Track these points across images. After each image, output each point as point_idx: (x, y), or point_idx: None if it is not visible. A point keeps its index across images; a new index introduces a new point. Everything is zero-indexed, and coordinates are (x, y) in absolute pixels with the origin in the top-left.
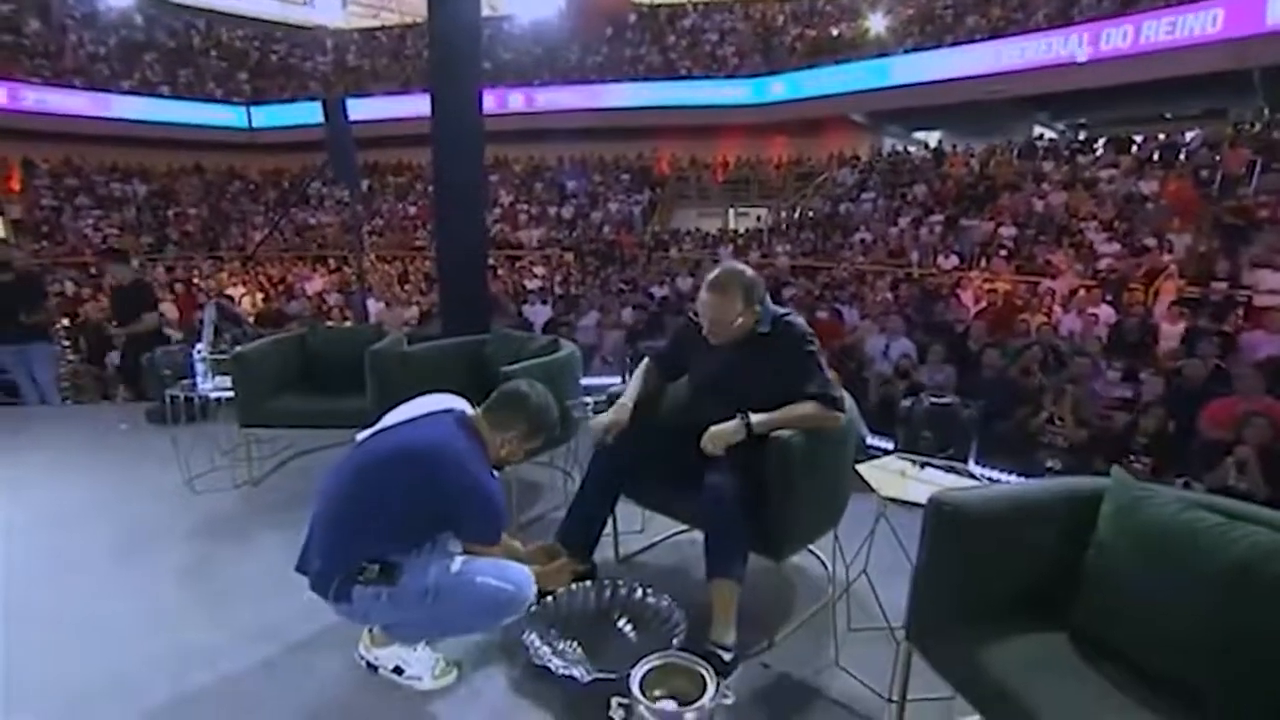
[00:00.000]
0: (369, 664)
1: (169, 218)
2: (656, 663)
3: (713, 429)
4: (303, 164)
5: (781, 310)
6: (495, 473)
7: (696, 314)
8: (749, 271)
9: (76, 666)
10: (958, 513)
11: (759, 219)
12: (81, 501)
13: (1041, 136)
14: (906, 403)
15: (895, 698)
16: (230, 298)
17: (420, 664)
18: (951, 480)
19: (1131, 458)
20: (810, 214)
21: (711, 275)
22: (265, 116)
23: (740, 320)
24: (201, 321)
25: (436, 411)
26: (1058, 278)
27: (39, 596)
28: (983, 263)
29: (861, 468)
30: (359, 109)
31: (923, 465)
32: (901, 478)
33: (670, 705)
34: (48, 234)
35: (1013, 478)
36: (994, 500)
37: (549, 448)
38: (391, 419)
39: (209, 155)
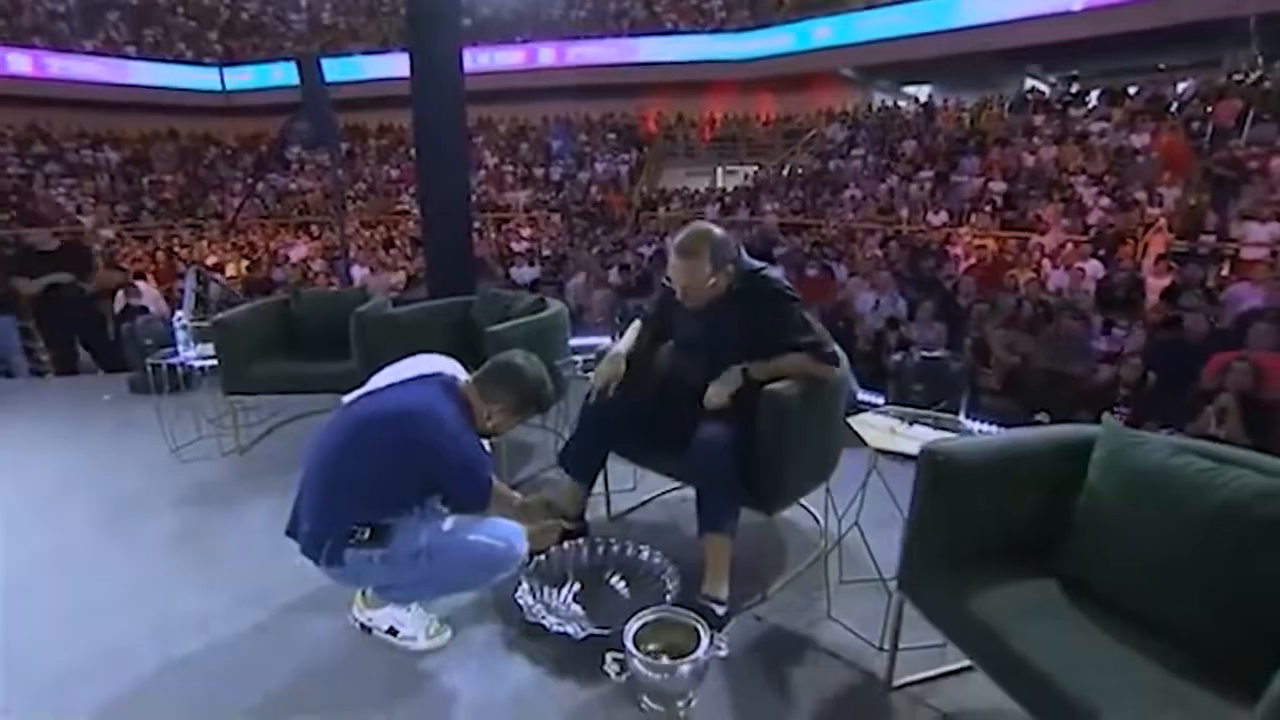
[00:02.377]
0: (363, 626)
1: (144, 186)
2: (650, 617)
3: (712, 385)
4: (282, 128)
5: (756, 264)
6: (483, 441)
7: (669, 278)
8: (716, 230)
9: (66, 638)
10: (949, 462)
11: (747, 177)
12: (66, 474)
13: (1033, 89)
14: (897, 357)
15: (887, 647)
16: (213, 266)
17: (414, 624)
18: (942, 433)
19: (1115, 409)
20: (799, 171)
21: (678, 238)
22: (240, 78)
23: (713, 282)
24: (182, 290)
25: (425, 375)
26: (1046, 233)
27: (25, 569)
28: (972, 219)
29: (853, 420)
30: (337, 70)
31: (912, 421)
32: (892, 432)
33: (664, 659)
34: (18, 204)
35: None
36: (984, 450)
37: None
38: (379, 380)
39: (183, 120)
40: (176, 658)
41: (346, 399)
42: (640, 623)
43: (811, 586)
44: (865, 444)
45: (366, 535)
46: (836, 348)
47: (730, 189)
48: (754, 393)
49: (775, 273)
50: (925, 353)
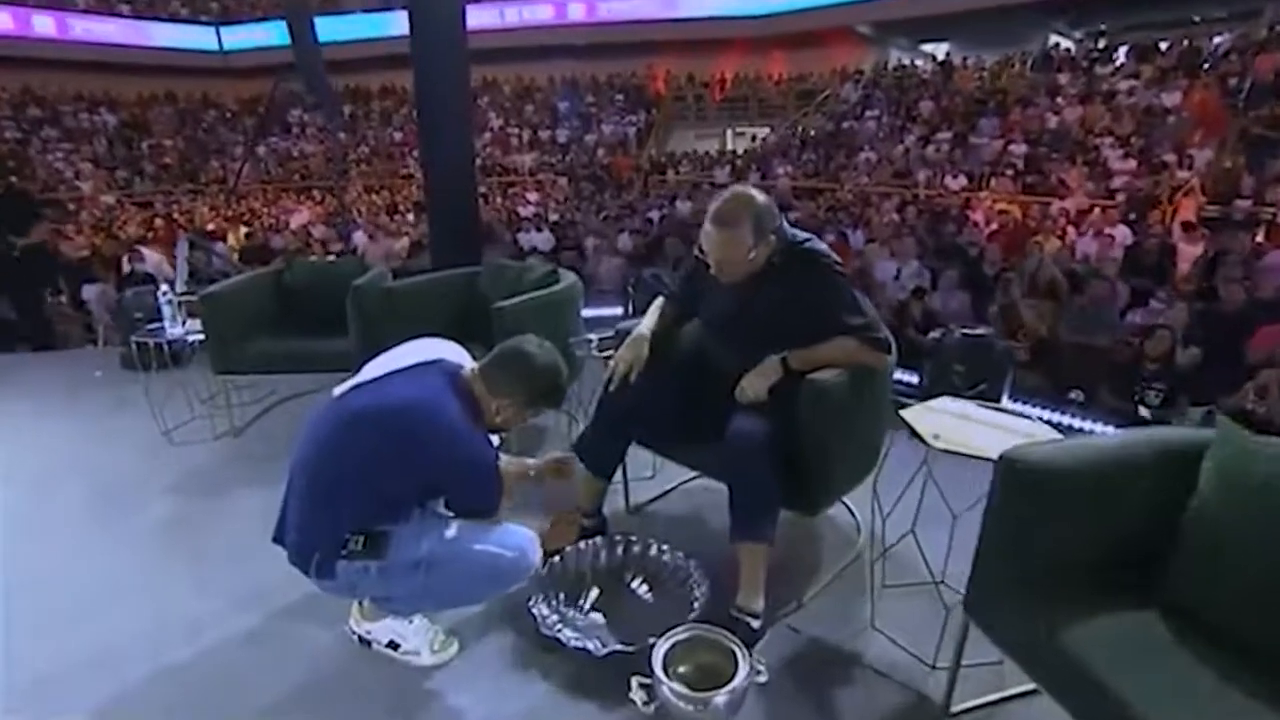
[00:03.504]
0: (361, 639)
1: (144, 150)
2: (681, 637)
3: (748, 376)
4: (271, 89)
5: (801, 235)
6: (492, 437)
7: (702, 250)
8: (759, 196)
9: (50, 638)
10: (1035, 473)
11: (755, 139)
12: (52, 457)
13: (1058, 46)
14: (935, 334)
15: (942, 665)
16: (210, 233)
17: (417, 637)
18: (1010, 425)
19: (1144, 384)
20: (812, 133)
21: (715, 205)
22: (238, 37)
23: (753, 255)
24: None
25: (424, 363)
26: (1068, 197)
27: (8, 560)
28: (992, 183)
29: (908, 414)
30: (337, 28)
31: (968, 397)
32: (955, 423)
33: (696, 686)
34: (15, 169)
35: (1056, 415)
36: (1076, 456)
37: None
38: (373, 370)
39: (181, 82)
40: (165, 666)
41: (337, 390)
42: (670, 643)
43: (852, 592)
44: (927, 444)
45: (360, 545)
46: (888, 332)
47: (740, 151)
48: (794, 381)
49: (821, 245)
50: (966, 330)
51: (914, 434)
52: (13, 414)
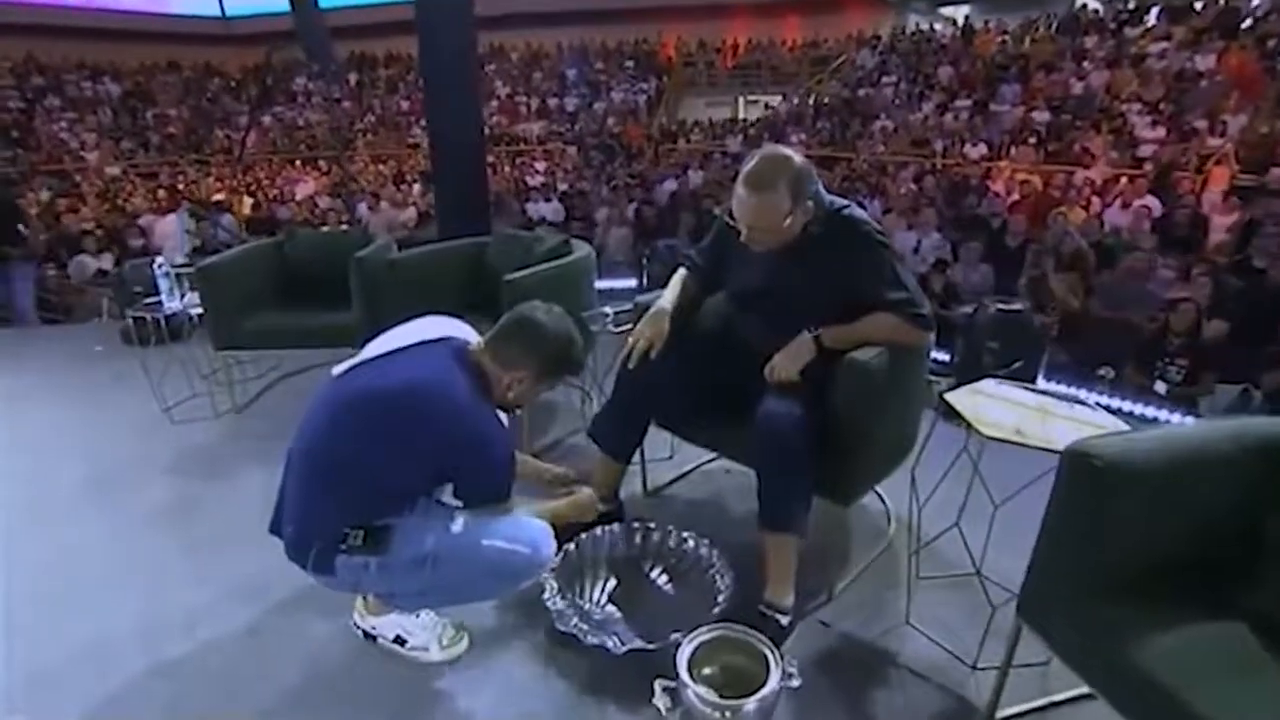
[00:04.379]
0: (365, 634)
1: (148, 120)
2: (707, 637)
3: (778, 355)
4: (287, 57)
5: (839, 201)
6: (503, 416)
7: (732, 215)
8: (796, 157)
9: (44, 630)
10: (1107, 468)
11: (769, 107)
12: (48, 435)
13: (1085, 7)
14: (967, 310)
15: (984, 665)
16: (218, 204)
17: (425, 632)
18: (1065, 412)
19: (1166, 360)
20: (826, 101)
21: (748, 166)
22: (240, 3)
23: (789, 222)
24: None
25: (429, 341)
26: (1092, 166)
27: (3, 544)
28: (1013, 151)
29: (953, 399)
30: None
31: (994, 375)
32: (1005, 408)
33: (714, 696)
34: (19, 139)
35: (1083, 393)
36: (1150, 451)
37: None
38: (374, 349)
39: (184, 49)
40: (162, 661)
41: (336, 370)
42: (695, 643)
43: (884, 583)
44: (977, 432)
45: (360, 540)
46: (929, 307)
47: (753, 119)
48: (828, 360)
49: (861, 212)
50: (1000, 305)
51: (956, 417)
52: (9, 389)
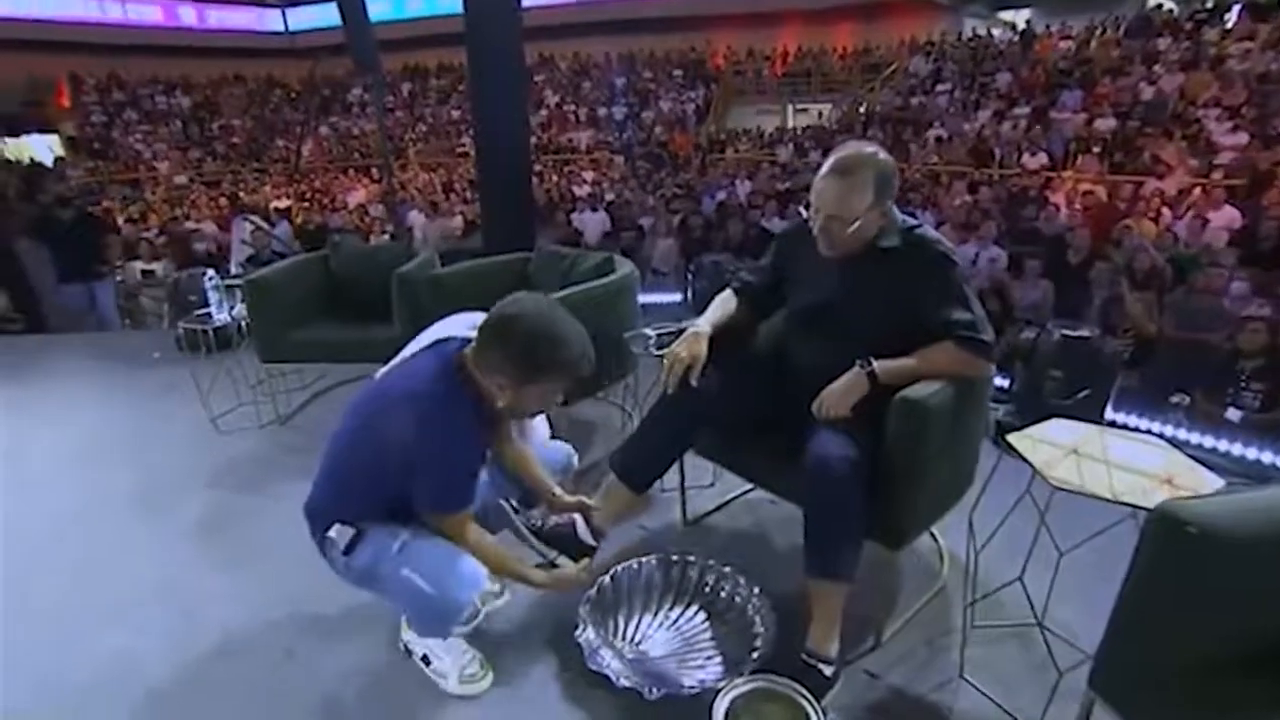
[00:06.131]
0: (405, 648)
1: (214, 130)
2: (745, 688)
3: (828, 390)
4: (345, 68)
5: (910, 220)
6: (480, 430)
7: (809, 209)
8: (884, 156)
9: (74, 638)
10: (1206, 536)
11: (820, 115)
12: (98, 439)
13: (1159, 7)
14: (1029, 334)
15: None
16: (280, 211)
17: (449, 656)
18: (1150, 462)
19: (1240, 384)
20: (878, 109)
21: (834, 156)
22: (303, 18)
23: (861, 222)
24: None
25: (439, 341)
26: (1165, 176)
27: (41, 546)
28: (1078, 161)
29: (1017, 440)
30: (394, 6)
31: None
32: (1075, 454)
33: None
34: (100, 151)
35: (1156, 425)
36: (1260, 515)
37: (608, 382)
38: (409, 349)
39: (248, 63)
40: (191, 678)
41: (380, 373)
42: (732, 696)
43: (936, 630)
44: (1045, 479)
45: (337, 537)
46: (992, 333)
47: (802, 128)
48: (883, 395)
49: (933, 231)
50: (1066, 330)
51: (1017, 452)
52: (69, 391)
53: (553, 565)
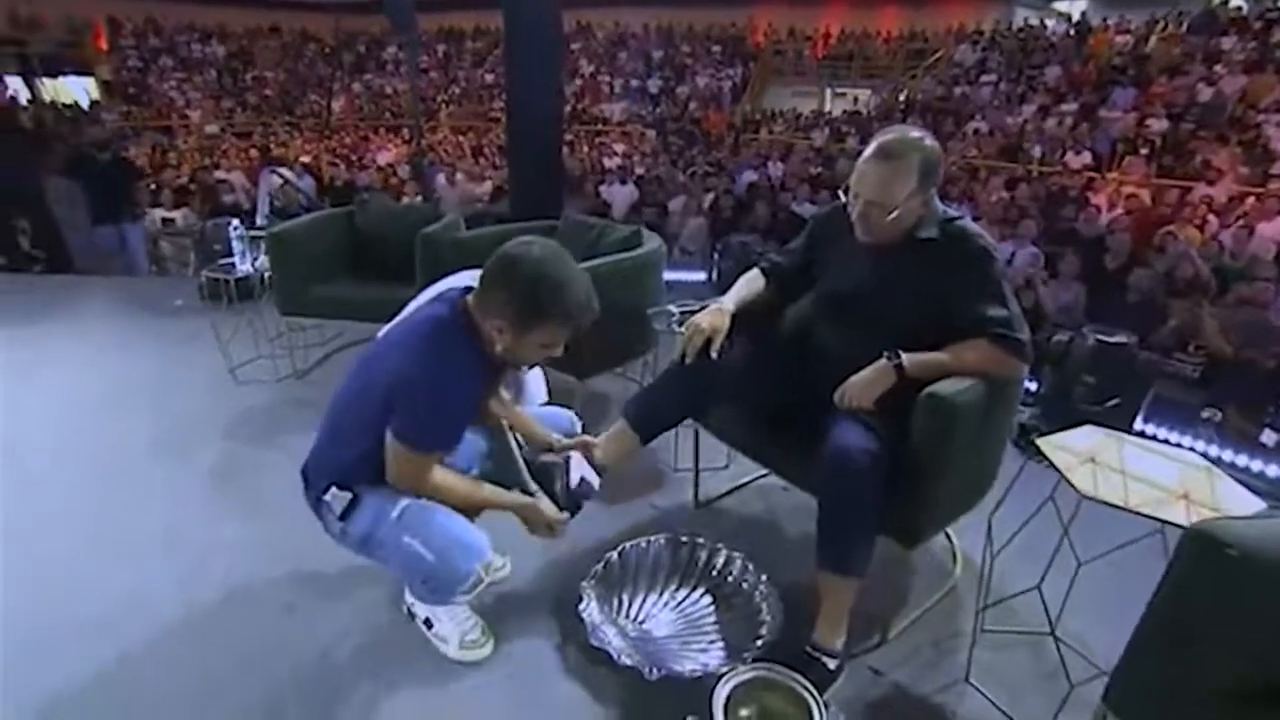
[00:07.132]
0: (408, 610)
1: (248, 81)
2: (746, 676)
3: (853, 380)
4: (381, 25)
5: (951, 211)
6: (479, 373)
7: (848, 192)
8: (931, 142)
9: (94, 579)
10: (1247, 558)
11: (857, 101)
12: (120, 385)
13: (1225, 3)
14: (1062, 338)
15: None
16: (306, 165)
17: (451, 624)
18: (1189, 479)
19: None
20: (919, 97)
21: (880, 140)
22: None
23: (901, 210)
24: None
25: (444, 292)
26: (1215, 182)
27: (62, 487)
28: (1125, 162)
29: (1047, 445)
30: None
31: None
32: (1106, 468)
33: None
34: (134, 96)
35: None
36: None
37: (629, 357)
38: (413, 304)
39: (284, 15)
40: (196, 624)
41: (383, 330)
42: (734, 682)
43: (944, 631)
44: (1076, 489)
45: (334, 500)
46: (1028, 332)
47: (839, 113)
48: (908, 388)
49: (973, 224)
50: (1101, 335)
51: (1041, 454)
52: (92, 334)
53: None
